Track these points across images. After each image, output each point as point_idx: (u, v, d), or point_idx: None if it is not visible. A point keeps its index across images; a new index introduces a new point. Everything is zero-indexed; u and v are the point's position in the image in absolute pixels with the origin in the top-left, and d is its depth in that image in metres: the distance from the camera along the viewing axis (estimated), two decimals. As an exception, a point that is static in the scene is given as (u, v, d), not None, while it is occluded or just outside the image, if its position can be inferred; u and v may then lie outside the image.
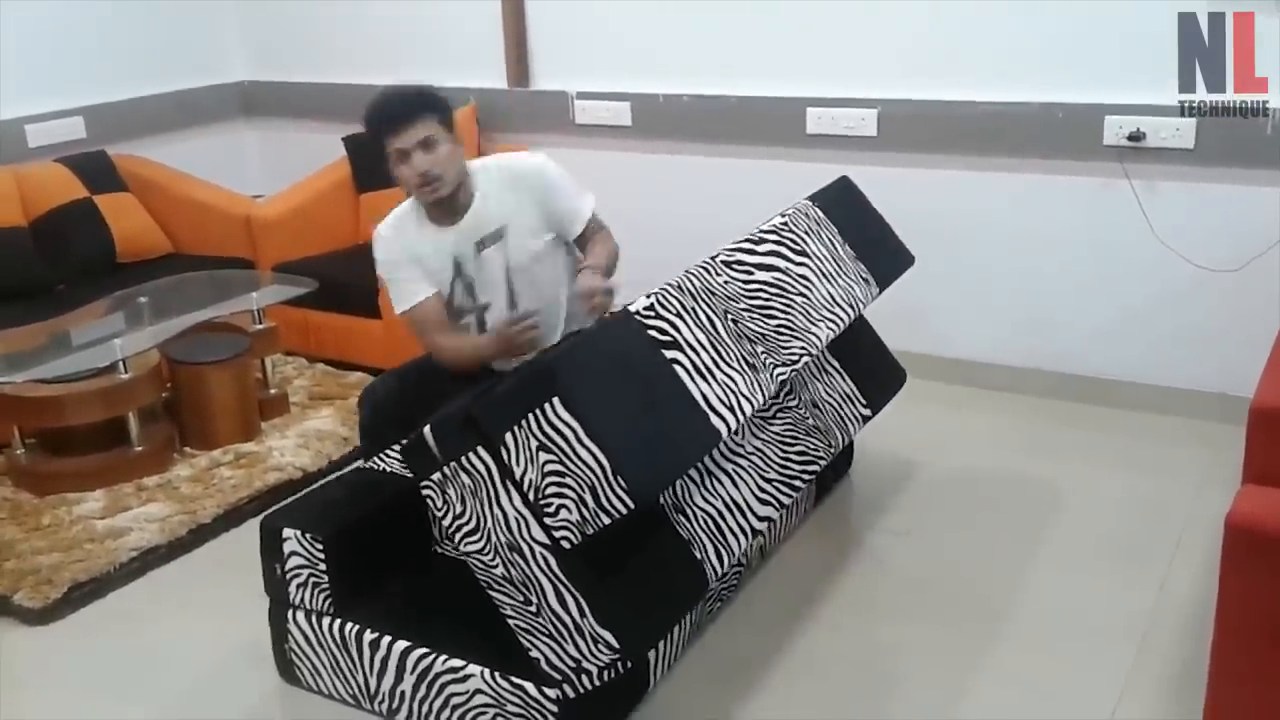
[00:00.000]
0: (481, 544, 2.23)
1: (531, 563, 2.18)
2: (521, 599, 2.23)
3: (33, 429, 3.65)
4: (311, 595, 2.51)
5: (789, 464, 2.75)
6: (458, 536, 2.26)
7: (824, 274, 2.88)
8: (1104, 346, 3.88)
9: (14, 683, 2.73)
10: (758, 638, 2.75)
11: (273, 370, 4.11)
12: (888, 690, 2.55)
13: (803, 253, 2.87)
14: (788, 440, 2.80)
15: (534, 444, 2.10)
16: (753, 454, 2.67)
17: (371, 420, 2.96)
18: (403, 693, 2.45)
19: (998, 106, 3.80)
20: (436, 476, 2.25)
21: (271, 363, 4.11)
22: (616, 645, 2.15)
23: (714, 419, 2.24)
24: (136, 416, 3.60)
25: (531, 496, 2.12)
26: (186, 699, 2.64)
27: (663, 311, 2.35)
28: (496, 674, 2.31)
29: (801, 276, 2.81)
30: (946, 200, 3.99)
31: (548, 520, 2.12)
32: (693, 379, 2.27)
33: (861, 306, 2.96)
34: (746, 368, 2.41)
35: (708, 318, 2.44)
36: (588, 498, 2.08)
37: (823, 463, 2.87)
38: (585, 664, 2.19)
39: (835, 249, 3.00)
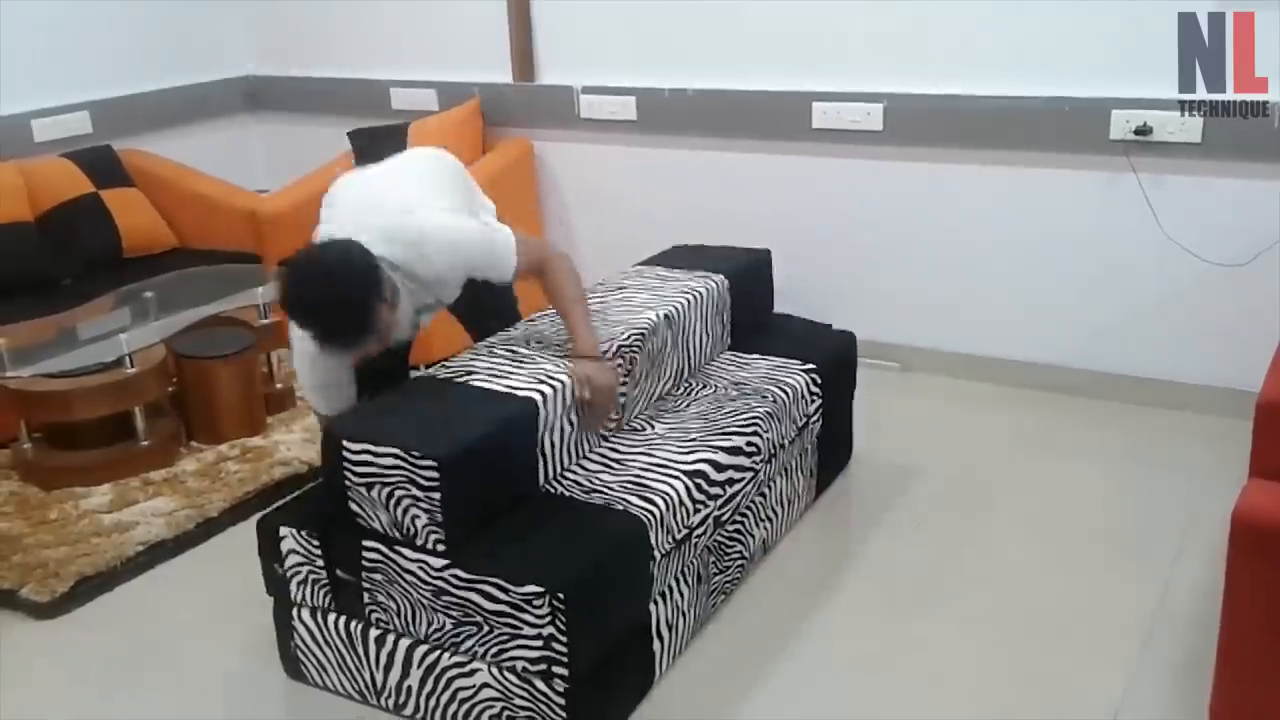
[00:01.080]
0: (427, 620, 2.36)
1: (454, 591, 2.30)
2: (476, 630, 2.30)
3: (39, 423, 3.66)
4: (313, 592, 2.51)
5: (717, 422, 2.89)
6: (418, 632, 2.39)
7: (645, 288, 3.19)
8: (1110, 341, 3.87)
9: (20, 676, 2.74)
10: (761, 633, 2.75)
11: (278, 365, 4.12)
12: (889, 687, 2.55)
13: (620, 287, 3.20)
14: (709, 411, 2.97)
15: (363, 488, 2.35)
16: (666, 433, 2.84)
17: None
18: (410, 688, 2.45)
19: (1004, 101, 3.79)
20: (365, 597, 2.42)
21: (277, 357, 4.12)
22: (543, 589, 2.19)
23: (526, 393, 2.51)
24: (143, 411, 3.60)
25: (403, 534, 2.34)
26: (193, 693, 2.65)
27: (450, 364, 2.68)
28: (504, 668, 2.32)
29: (621, 299, 3.10)
30: (952, 194, 3.99)
31: (419, 541, 2.32)
32: (490, 381, 2.56)
33: (703, 292, 3.18)
34: (558, 358, 2.68)
35: (504, 348, 2.76)
36: (415, 490, 2.28)
37: (763, 410, 2.95)
38: (543, 631, 2.21)
39: (658, 276, 3.30)
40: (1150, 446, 3.58)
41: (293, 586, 2.54)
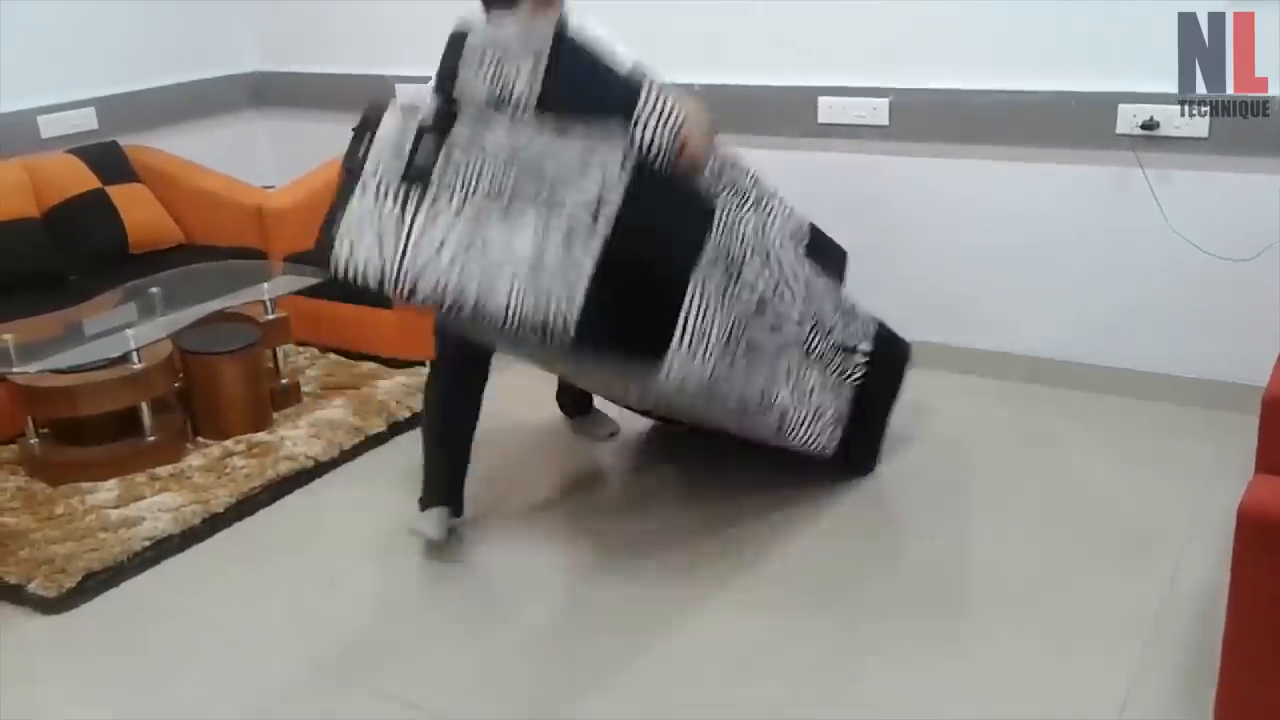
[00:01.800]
0: (491, 174, 2.57)
1: (533, 135, 2.55)
2: (537, 184, 2.51)
3: (46, 419, 3.67)
4: (391, 160, 2.64)
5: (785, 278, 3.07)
6: (480, 185, 2.58)
7: None
8: (1116, 336, 3.86)
9: (27, 671, 2.75)
10: (767, 629, 2.75)
11: (284, 360, 4.13)
12: (892, 683, 2.55)
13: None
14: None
15: (478, 54, 2.78)
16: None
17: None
18: (440, 259, 2.53)
19: (1010, 95, 3.78)
20: (439, 159, 2.62)
21: (283, 353, 4.12)
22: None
23: None
24: (149, 406, 3.61)
25: (500, 99, 2.71)
26: (199, 689, 2.65)
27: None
28: (551, 217, 2.46)
29: None
30: (958, 189, 3.98)
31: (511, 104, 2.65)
32: None
33: (790, 206, 3.32)
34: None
35: None
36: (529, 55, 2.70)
37: (830, 299, 3.18)
38: (608, 166, 2.44)
39: None
40: (1155, 441, 3.58)
41: (370, 159, 2.67)
